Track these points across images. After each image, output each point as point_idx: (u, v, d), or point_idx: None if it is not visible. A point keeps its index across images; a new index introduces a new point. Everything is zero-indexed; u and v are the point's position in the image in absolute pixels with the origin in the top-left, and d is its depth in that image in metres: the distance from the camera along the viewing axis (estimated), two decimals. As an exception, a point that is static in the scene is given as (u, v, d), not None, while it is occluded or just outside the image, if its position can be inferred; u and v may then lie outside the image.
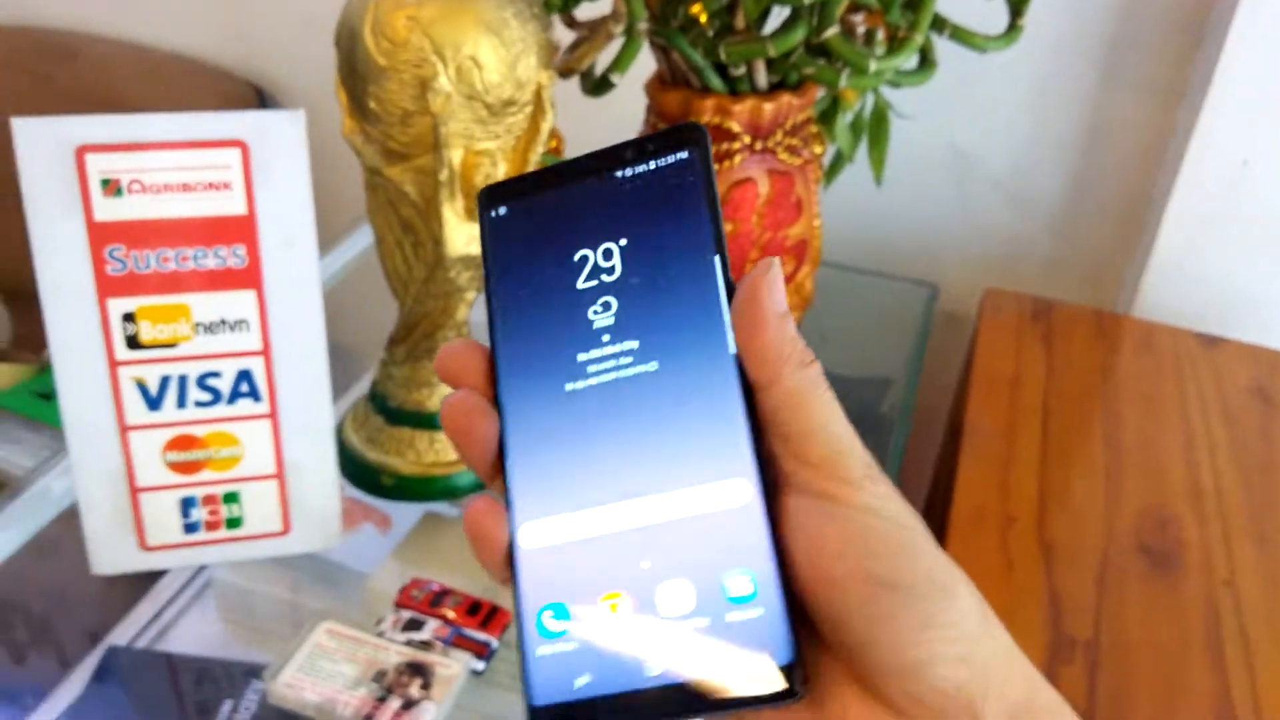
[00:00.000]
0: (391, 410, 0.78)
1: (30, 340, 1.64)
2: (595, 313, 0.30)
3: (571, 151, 0.94)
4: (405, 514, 0.82)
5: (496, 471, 0.30)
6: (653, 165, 0.31)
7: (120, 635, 0.81)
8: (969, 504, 0.83)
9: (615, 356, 0.30)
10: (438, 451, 0.78)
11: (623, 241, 0.31)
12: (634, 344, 0.30)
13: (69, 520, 0.69)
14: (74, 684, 0.78)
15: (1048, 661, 0.69)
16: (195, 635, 0.82)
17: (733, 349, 0.29)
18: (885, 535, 0.27)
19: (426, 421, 0.78)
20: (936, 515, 0.93)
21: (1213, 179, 1.05)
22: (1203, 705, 0.67)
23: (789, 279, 0.92)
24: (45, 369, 1.58)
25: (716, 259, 0.30)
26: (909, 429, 1.00)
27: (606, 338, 0.30)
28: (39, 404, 1.52)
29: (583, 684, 0.27)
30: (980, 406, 0.94)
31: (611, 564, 0.28)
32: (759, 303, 0.28)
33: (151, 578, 0.86)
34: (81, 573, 0.69)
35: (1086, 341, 1.05)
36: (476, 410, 0.30)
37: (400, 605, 0.64)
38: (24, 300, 1.69)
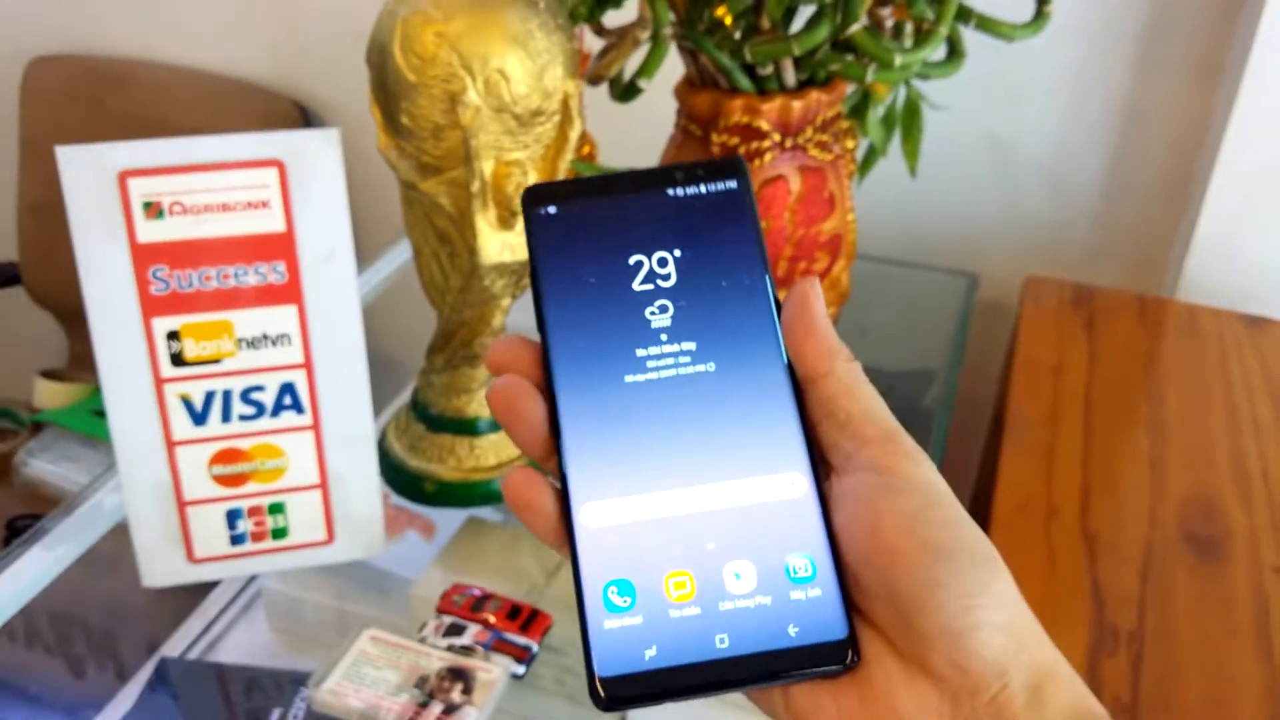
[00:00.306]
0: (432, 418, 0.80)
1: (86, 360, 1.68)
2: (652, 314, 0.33)
3: (605, 157, 0.95)
4: (448, 520, 0.83)
5: (549, 452, 0.32)
6: (703, 189, 0.34)
7: (173, 647, 0.83)
8: (1012, 495, 0.82)
9: (674, 355, 0.32)
10: (478, 457, 0.79)
11: (677, 252, 0.33)
12: (692, 345, 0.32)
13: (123, 535, 0.71)
14: (128, 695, 0.80)
15: (1091, 653, 0.68)
16: (245, 645, 0.84)
17: (784, 356, 0.32)
18: (941, 506, 0.29)
19: (467, 428, 0.79)
20: (980, 507, 0.92)
21: (1253, 159, 1.03)
22: (1251, 695, 0.66)
23: (824, 274, 0.92)
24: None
25: (768, 277, 0.33)
26: (951, 420, 1.00)
27: (664, 337, 0.32)
28: (95, 421, 1.56)
29: (650, 656, 0.29)
30: (1022, 395, 0.94)
31: (676, 544, 0.30)
32: (810, 308, 0.32)
33: (203, 589, 0.88)
34: (137, 586, 0.71)
35: (1129, 327, 1.04)
36: (524, 393, 0.32)
37: (442, 611, 0.65)
38: (79, 321, 1.74)
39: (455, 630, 0.63)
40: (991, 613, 0.28)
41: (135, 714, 0.76)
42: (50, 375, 1.65)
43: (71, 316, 1.69)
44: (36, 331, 1.75)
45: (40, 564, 0.73)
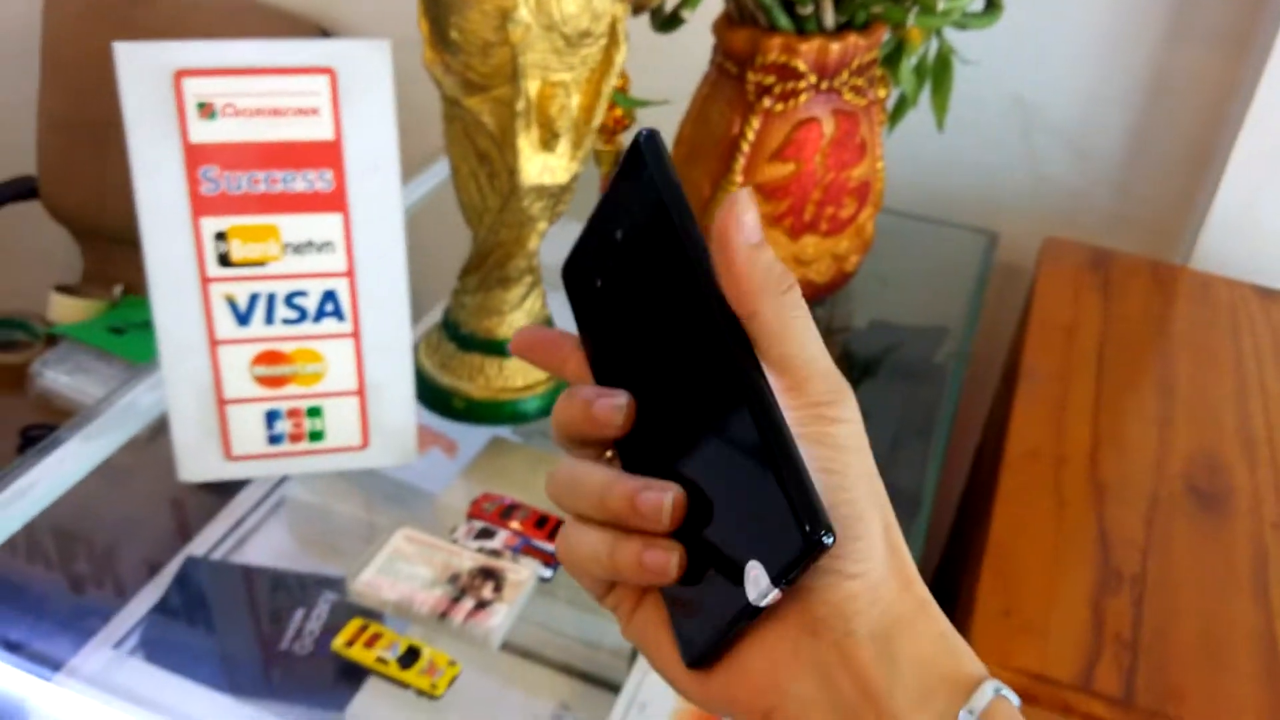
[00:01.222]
0: (463, 337, 0.81)
1: (100, 276, 1.69)
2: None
3: (638, 92, 0.96)
4: (470, 441, 0.85)
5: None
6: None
7: (198, 548, 0.85)
8: (1023, 444, 0.84)
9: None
10: (506, 377, 0.81)
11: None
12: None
13: (138, 447, 0.72)
14: (152, 592, 0.82)
15: (1095, 593, 0.71)
16: (269, 550, 0.86)
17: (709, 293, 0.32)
18: (846, 450, 0.30)
19: (496, 348, 0.81)
20: (990, 452, 0.94)
21: (1276, 132, 1.04)
22: (1246, 638, 0.68)
23: (850, 221, 0.93)
24: (116, 304, 1.63)
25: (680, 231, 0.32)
26: (964, 374, 1.02)
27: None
28: (111, 337, 1.57)
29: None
30: (1037, 351, 0.95)
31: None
32: (727, 240, 0.30)
33: (223, 499, 0.90)
34: (149, 499, 0.72)
35: (1144, 291, 1.05)
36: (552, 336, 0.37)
37: (472, 516, 0.67)
38: (94, 237, 1.74)
39: (485, 534, 0.65)
40: (848, 564, 0.29)
41: (159, 611, 0.78)
42: (65, 290, 1.66)
43: (87, 233, 1.70)
44: (51, 246, 1.76)
45: (79, 456, 0.75)
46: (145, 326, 1.60)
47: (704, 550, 0.31)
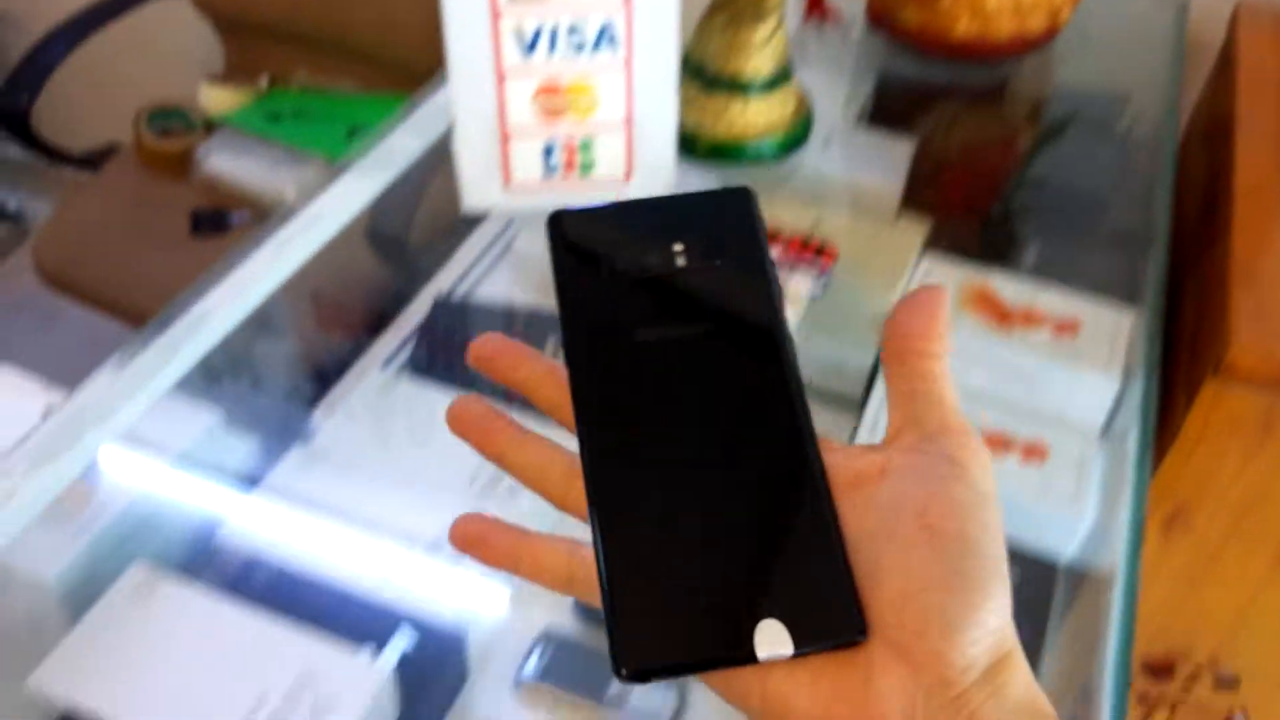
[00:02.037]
0: (708, 77, 0.85)
1: (244, 68, 1.72)
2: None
3: None
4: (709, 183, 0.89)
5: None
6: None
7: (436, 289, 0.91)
8: (1251, 175, 0.87)
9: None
10: (749, 119, 0.85)
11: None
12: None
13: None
14: (401, 329, 0.89)
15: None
16: (503, 293, 0.92)
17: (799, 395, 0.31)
18: (988, 511, 0.30)
19: (741, 89, 0.84)
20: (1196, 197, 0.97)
21: None
22: None
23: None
24: (264, 95, 1.67)
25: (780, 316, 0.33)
26: (1176, 138, 1.03)
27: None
28: (268, 124, 1.62)
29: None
30: (1251, 101, 0.97)
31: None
32: (938, 303, 0.33)
33: (451, 246, 0.95)
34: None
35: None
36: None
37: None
38: (238, 31, 1.76)
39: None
40: (992, 616, 0.28)
41: (418, 351, 0.84)
42: (215, 81, 1.70)
43: (231, 25, 1.73)
44: (195, 41, 1.79)
45: (356, 188, 0.80)
46: (297, 115, 1.65)
47: (689, 566, 0.29)
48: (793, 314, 0.66)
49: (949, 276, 0.83)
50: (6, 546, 0.50)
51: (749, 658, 0.28)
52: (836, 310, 0.76)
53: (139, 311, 1.36)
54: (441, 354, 0.85)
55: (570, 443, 0.32)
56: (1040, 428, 0.77)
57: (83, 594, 0.60)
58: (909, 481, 0.30)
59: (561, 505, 0.32)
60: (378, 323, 0.95)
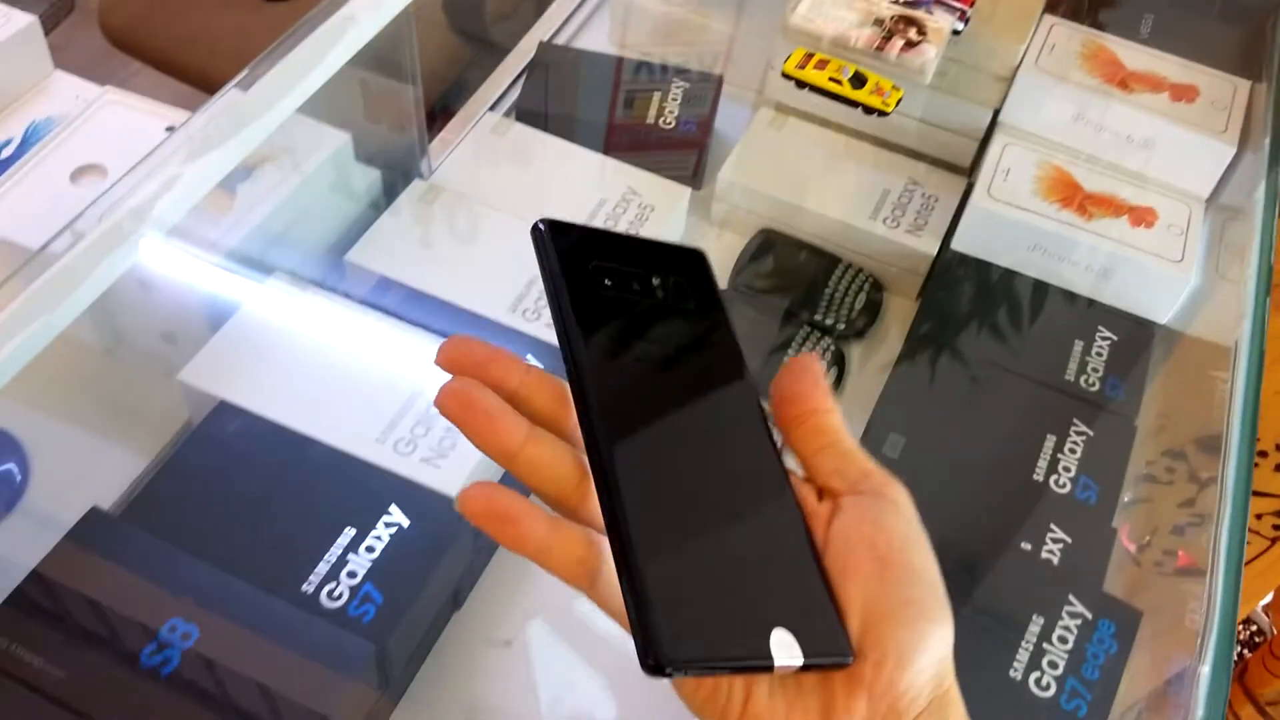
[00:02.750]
0: None
1: None
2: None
3: None
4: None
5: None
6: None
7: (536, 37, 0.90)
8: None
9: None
10: None
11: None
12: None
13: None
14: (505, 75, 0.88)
15: None
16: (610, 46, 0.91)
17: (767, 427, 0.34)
18: (923, 539, 0.32)
19: None
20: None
21: None
22: None
23: None
24: None
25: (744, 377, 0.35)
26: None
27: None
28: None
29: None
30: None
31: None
32: (816, 370, 0.35)
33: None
34: None
35: None
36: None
37: (873, -21, 0.70)
38: None
39: (896, -13, 0.68)
40: (938, 644, 0.30)
41: (525, 95, 0.84)
42: None
43: None
44: None
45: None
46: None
47: (709, 564, 0.30)
48: (933, 50, 0.65)
49: (1070, 37, 0.81)
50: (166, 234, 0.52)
51: (766, 664, 0.29)
52: (963, 63, 0.76)
53: (207, 77, 1.35)
54: (550, 98, 0.84)
55: None
56: (1151, 192, 0.77)
57: (224, 300, 0.62)
58: (855, 519, 0.32)
59: (569, 502, 0.31)
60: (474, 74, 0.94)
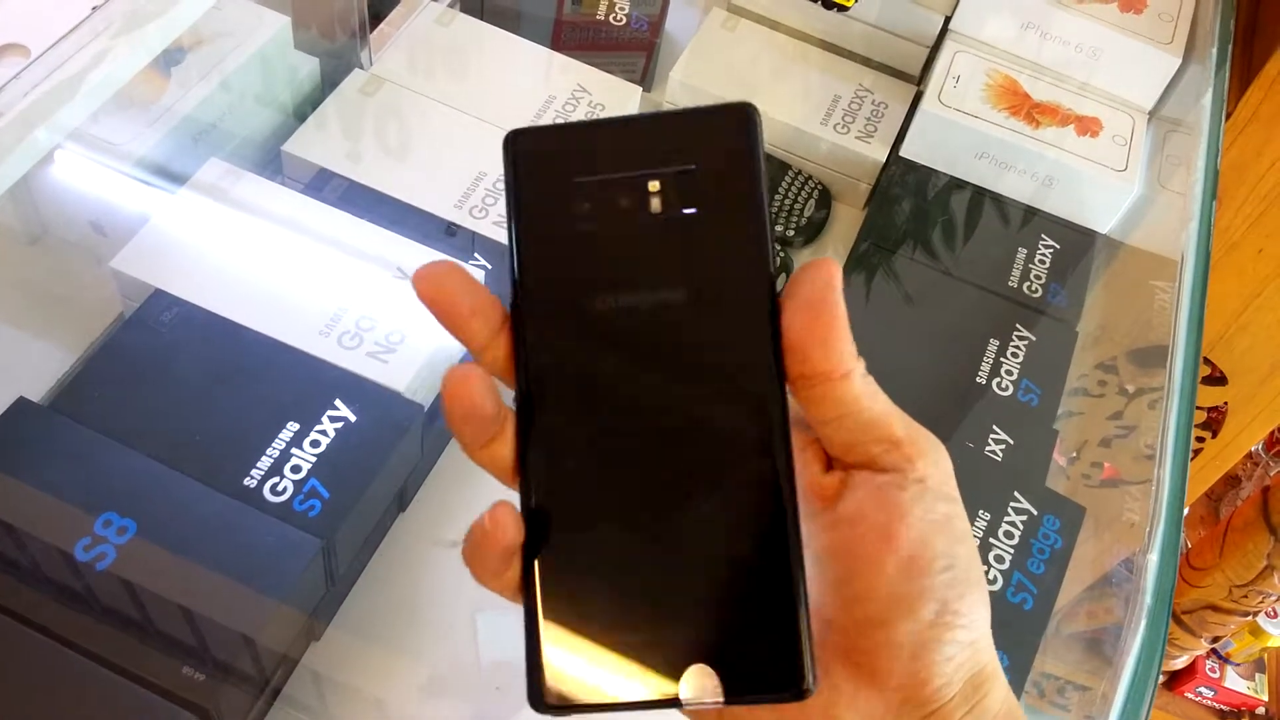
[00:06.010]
0: None
1: None
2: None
3: None
4: None
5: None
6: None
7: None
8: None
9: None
10: None
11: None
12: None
13: None
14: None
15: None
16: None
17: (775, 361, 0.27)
18: (955, 518, 0.28)
19: None
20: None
21: None
22: None
23: None
24: None
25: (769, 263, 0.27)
26: None
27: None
28: None
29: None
30: None
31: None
32: (832, 301, 0.27)
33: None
34: None
35: None
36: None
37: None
38: None
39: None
40: (964, 631, 0.27)
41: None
42: None
43: None
44: None
45: None
46: None
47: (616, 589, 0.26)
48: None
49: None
50: (89, 120, 0.49)
51: (673, 701, 0.25)
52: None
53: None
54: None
55: None
56: (1097, 102, 0.77)
57: (157, 188, 0.59)
58: (871, 502, 0.27)
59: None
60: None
